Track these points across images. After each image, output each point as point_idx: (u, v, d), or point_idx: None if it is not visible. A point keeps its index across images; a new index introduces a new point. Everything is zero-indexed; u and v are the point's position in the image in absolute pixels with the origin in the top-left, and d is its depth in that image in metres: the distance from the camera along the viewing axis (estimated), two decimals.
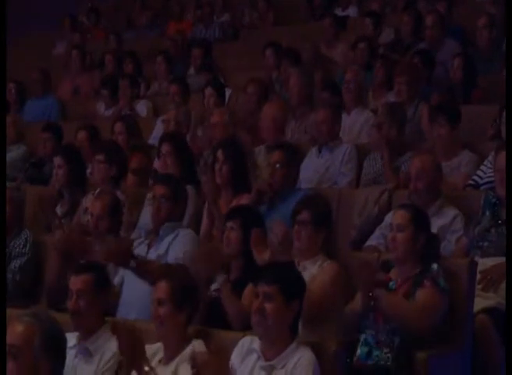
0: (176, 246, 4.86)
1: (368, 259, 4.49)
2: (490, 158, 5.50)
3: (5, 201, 5.48)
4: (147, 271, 4.53)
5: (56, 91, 9.63)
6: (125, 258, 4.51)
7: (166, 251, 4.86)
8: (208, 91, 7.46)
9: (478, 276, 4.45)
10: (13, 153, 7.66)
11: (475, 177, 5.60)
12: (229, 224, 4.59)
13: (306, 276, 4.25)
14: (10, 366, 2.93)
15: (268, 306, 3.69)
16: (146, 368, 3.63)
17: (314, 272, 4.36)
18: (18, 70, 10.05)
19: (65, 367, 3.11)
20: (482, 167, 5.61)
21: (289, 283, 3.77)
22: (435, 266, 4.16)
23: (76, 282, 4.16)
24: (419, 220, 4.28)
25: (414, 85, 6.77)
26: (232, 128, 6.54)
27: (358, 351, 4.13)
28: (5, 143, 6.95)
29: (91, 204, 5.28)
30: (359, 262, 4.20)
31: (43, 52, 11.44)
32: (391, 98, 6.94)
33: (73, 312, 4.11)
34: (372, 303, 4.11)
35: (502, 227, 4.71)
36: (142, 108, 8.48)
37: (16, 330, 2.98)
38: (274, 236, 4.34)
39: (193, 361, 3.66)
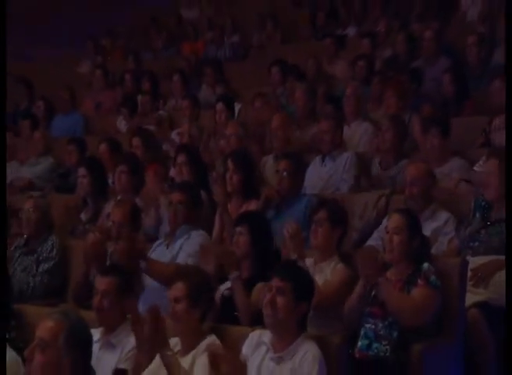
0: (188, 246, 4.90)
1: (370, 249, 4.49)
2: (481, 162, 5.50)
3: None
4: (157, 272, 4.56)
5: (80, 108, 9.67)
6: (136, 260, 4.54)
7: (178, 251, 4.91)
8: (219, 106, 7.48)
9: (469, 273, 4.44)
10: (42, 165, 7.70)
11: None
12: (238, 229, 4.59)
13: (321, 278, 4.29)
14: (38, 357, 2.96)
15: (280, 300, 3.70)
16: (169, 352, 3.63)
17: (328, 274, 4.38)
18: (46, 88, 10.12)
19: None
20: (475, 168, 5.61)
21: (302, 284, 3.78)
22: (426, 265, 4.15)
23: (101, 282, 4.19)
24: (413, 224, 4.26)
25: (402, 98, 6.81)
26: (245, 139, 6.58)
27: (359, 344, 4.12)
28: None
29: (112, 211, 5.30)
30: (363, 251, 4.19)
31: (68, 71, 11.49)
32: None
33: (97, 309, 4.14)
34: (373, 293, 4.12)
35: (490, 228, 4.71)
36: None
37: (45, 326, 3.01)
38: (285, 232, 4.37)
39: (211, 352, 3.65)
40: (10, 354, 4.17)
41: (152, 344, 3.58)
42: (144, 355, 3.65)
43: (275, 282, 3.74)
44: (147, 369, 3.72)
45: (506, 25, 5.97)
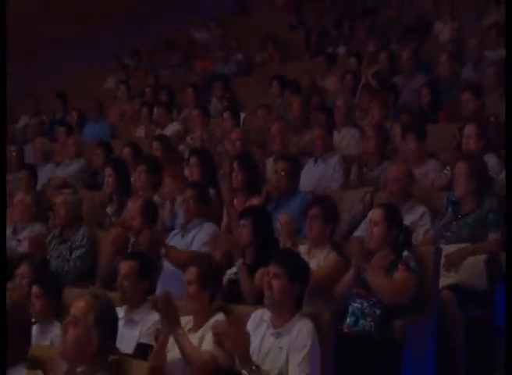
0: (200, 236, 4.90)
1: (359, 239, 4.47)
2: (448, 167, 5.49)
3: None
4: (174, 257, 4.56)
5: (107, 117, 9.68)
6: (157, 247, 4.54)
7: (192, 241, 4.91)
8: (226, 114, 7.49)
9: (443, 259, 4.44)
10: (74, 166, 7.69)
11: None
12: (242, 222, 4.57)
13: (314, 263, 4.28)
14: (70, 331, 3.00)
15: (275, 283, 3.67)
16: (180, 331, 3.63)
17: (321, 260, 4.37)
18: (78, 100, 10.13)
19: None
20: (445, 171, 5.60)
21: (295, 269, 3.74)
22: (405, 253, 4.14)
23: (124, 266, 4.20)
24: (392, 216, 4.24)
25: (385, 108, 6.80)
26: (248, 143, 6.57)
27: (347, 320, 4.13)
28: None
29: (129, 206, 5.30)
30: (352, 240, 4.18)
31: (96, 85, 11.50)
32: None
33: (121, 290, 4.15)
34: (361, 276, 4.11)
35: (461, 220, 4.70)
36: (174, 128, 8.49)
37: (78, 305, 3.05)
38: (279, 224, 4.36)
39: (215, 330, 3.64)
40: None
41: (165, 324, 3.59)
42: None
43: (272, 268, 3.72)
44: None
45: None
